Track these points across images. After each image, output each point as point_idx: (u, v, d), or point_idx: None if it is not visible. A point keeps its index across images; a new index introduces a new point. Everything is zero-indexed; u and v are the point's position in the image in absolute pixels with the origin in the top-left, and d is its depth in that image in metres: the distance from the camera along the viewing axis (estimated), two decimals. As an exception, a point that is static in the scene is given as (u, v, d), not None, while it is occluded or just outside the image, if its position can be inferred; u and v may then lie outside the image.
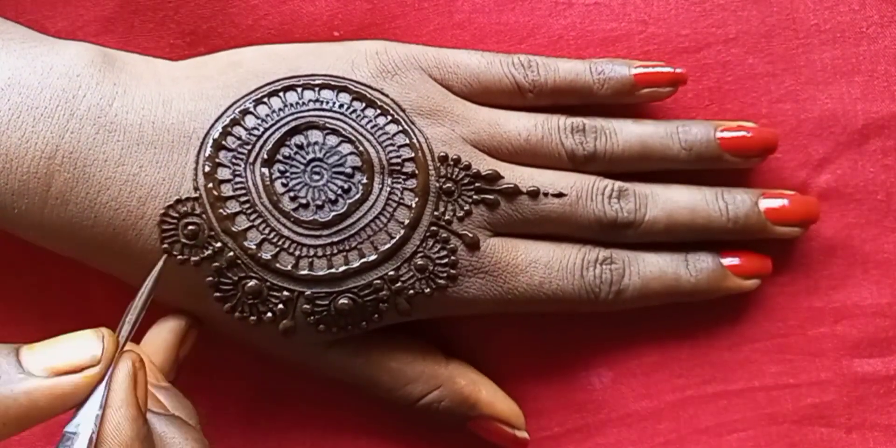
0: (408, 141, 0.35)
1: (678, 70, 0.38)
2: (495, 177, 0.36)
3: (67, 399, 0.27)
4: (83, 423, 0.27)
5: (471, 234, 0.35)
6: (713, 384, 0.40)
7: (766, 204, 0.38)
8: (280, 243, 0.34)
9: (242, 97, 0.35)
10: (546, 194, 0.36)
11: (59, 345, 0.28)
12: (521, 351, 0.40)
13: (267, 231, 0.34)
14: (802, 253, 0.40)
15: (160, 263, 0.32)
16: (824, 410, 0.39)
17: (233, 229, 0.34)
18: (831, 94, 0.40)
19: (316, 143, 0.35)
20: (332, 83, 0.35)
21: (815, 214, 0.38)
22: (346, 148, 0.35)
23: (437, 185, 0.35)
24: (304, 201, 0.34)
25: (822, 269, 0.40)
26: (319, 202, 0.34)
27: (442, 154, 0.35)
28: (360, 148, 0.35)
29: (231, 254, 0.34)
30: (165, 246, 0.33)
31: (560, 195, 0.36)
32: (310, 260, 0.34)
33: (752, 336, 0.40)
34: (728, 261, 0.38)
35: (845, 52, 0.40)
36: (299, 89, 0.35)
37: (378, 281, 0.35)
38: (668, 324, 0.39)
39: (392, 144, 0.35)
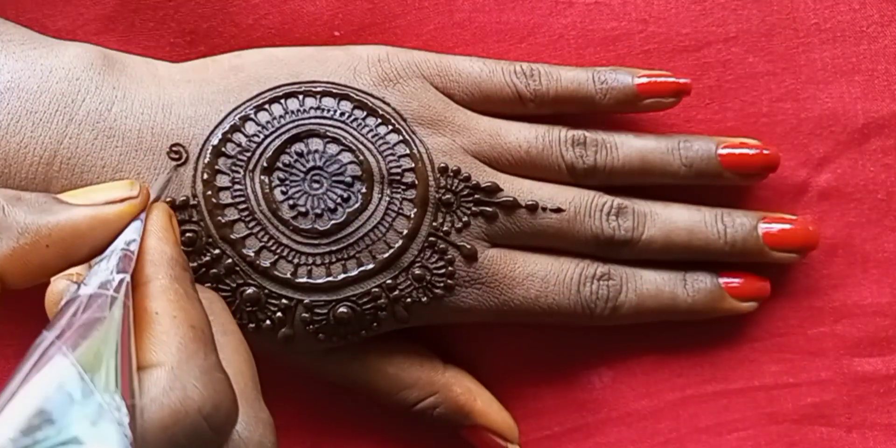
0: (408, 151, 0.35)
1: (682, 80, 0.38)
2: (494, 189, 0.35)
3: (108, 225, 0.27)
4: (113, 250, 0.27)
5: (468, 246, 0.35)
6: (713, 383, 0.40)
7: (765, 229, 0.38)
8: (279, 251, 0.34)
9: (243, 103, 0.35)
10: (544, 209, 0.36)
11: (95, 188, 0.29)
12: (522, 350, 0.40)
13: (266, 239, 0.34)
14: (802, 252, 0.40)
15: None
16: (824, 410, 0.40)
17: (231, 237, 0.34)
18: (831, 94, 0.40)
19: (316, 151, 0.35)
20: (334, 90, 0.35)
21: (815, 242, 0.38)
22: (346, 157, 0.35)
23: (437, 196, 0.35)
24: (303, 209, 0.34)
25: (822, 268, 0.40)
26: (318, 211, 0.34)
27: (442, 165, 0.35)
28: (361, 157, 0.35)
29: (229, 261, 0.34)
30: None
31: (558, 210, 0.36)
32: (308, 268, 0.34)
33: (752, 335, 0.40)
34: (726, 282, 0.38)
35: (846, 52, 0.40)
36: (301, 96, 0.35)
37: (376, 289, 0.35)
38: (669, 323, 0.39)
39: (392, 154, 0.35)
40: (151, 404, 0.24)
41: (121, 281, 0.25)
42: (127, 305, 0.25)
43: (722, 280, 0.38)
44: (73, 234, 0.26)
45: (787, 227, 0.38)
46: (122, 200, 0.28)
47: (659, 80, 0.37)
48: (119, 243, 0.27)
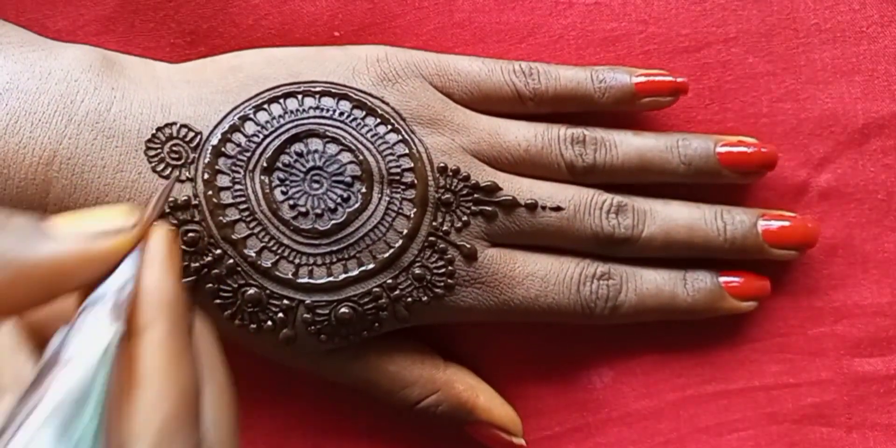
0: (407, 151, 0.35)
1: (679, 79, 0.38)
2: (494, 188, 0.36)
3: (97, 263, 0.25)
4: (109, 289, 0.24)
5: (468, 245, 0.35)
6: (713, 383, 0.40)
7: (764, 226, 0.38)
8: (280, 251, 0.34)
9: (242, 103, 0.35)
10: (544, 207, 0.36)
11: (87, 215, 0.26)
12: (522, 350, 0.40)
13: (266, 239, 0.34)
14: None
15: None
16: (824, 410, 0.40)
17: (232, 237, 0.34)
18: (832, 94, 0.40)
19: (316, 151, 0.35)
20: (333, 90, 0.35)
21: (814, 239, 0.38)
22: (345, 157, 0.35)
23: (436, 195, 0.35)
24: (303, 210, 0.34)
25: (822, 268, 0.40)
26: (319, 211, 0.34)
27: (441, 164, 0.35)
28: (360, 157, 0.35)
29: (231, 261, 0.34)
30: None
31: (558, 209, 0.36)
32: (309, 268, 0.34)
33: (753, 335, 0.40)
34: (726, 281, 0.38)
35: (845, 52, 0.40)
36: (300, 96, 0.35)
37: (377, 289, 0.35)
38: (669, 323, 0.39)
39: (392, 154, 0.35)
40: None
41: (109, 342, 0.23)
42: (114, 371, 0.23)
43: (722, 279, 0.38)
44: (59, 269, 0.24)
45: (786, 224, 0.38)
46: (117, 231, 0.25)
47: (656, 79, 0.38)
48: (112, 286, 0.25)
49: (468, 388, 0.38)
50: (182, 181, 0.34)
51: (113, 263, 0.25)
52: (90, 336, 0.23)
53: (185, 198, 0.34)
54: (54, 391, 0.22)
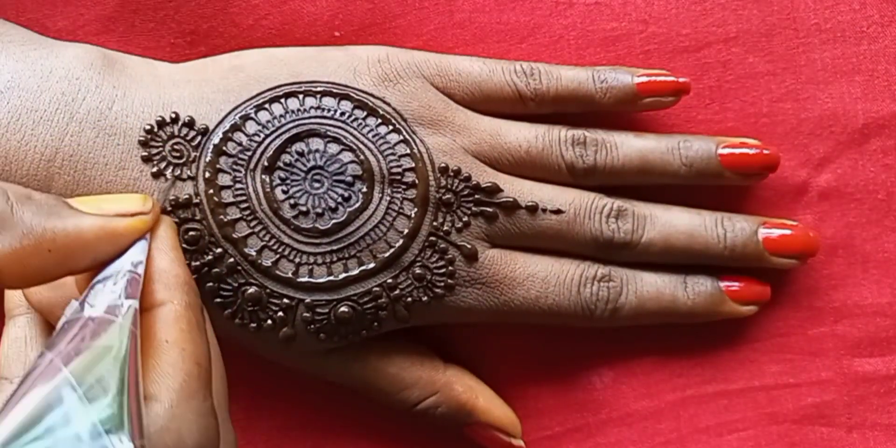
0: (409, 151, 0.35)
1: (681, 79, 0.38)
2: (494, 190, 0.36)
3: (115, 239, 0.27)
4: (122, 267, 0.26)
5: (469, 246, 0.35)
6: (713, 384, 0.40)
7: (765, 234, 0.38)
8: (280, 250, 0.34)
9: (243, 102, 0.35)
10: (544, 210, 0.36)
11: (107, 198, 0.28)
12: (522, 350, 0.40)
13: (267, 238, 0.34)
14: (803, 252, 0.40)
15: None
16: (825, 410, 0.40)
17: (233, 236, 0.34)
18: (832, 94, 0.40)
19: (317, 150, 0.35)
20: (334, 90, 0.35)
21: (815, 248, 0.38)
22: (346, 156, 0.35)
23: (437, 195, 0.35)
24: (304, 209, 0.34)
25: (823, 268, 0.40)
26: (319, 210, 0.34)
27: (442, 165, 0.35)
28: (361, 157, 0.35)
29: (231, 260, 0.34)
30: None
31: (558, 212, 0.36)
32: (310, 267, 0.34)
33: (753, 335, 0.40)
34: (727, 285, 0.38)
35: (846, 52, 0.40)
36: (301, 96, 0.35)
37: (377, 288, 0.35)
38: (669, 323, 0.39)
39: (393, 154, 0.35)
40: (147, 441, 0.23)
41: (129, 307, 0.25)
42: (135, 335, 0.25)
43: (723, 283, 0.38)
44: (78, 242, 0.26)
45: (787, 232, 0.38)
46: (133, 214, 0.27)
47: (658, 79, 0.37)
48: (125, 264, 0.26)
49: (468, 390, 0.38)
50: (183, 180, 0.34)
51: (128, 243, 0.27)
52: (107, 305, 0.25)
53: (186, 196, 0.34)
54: (74, 348, 0.23)
